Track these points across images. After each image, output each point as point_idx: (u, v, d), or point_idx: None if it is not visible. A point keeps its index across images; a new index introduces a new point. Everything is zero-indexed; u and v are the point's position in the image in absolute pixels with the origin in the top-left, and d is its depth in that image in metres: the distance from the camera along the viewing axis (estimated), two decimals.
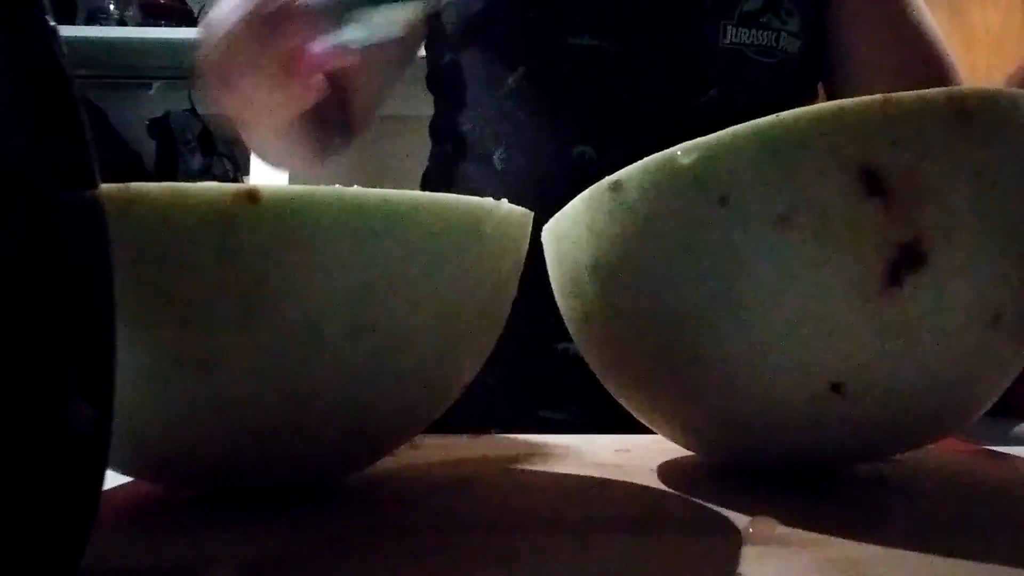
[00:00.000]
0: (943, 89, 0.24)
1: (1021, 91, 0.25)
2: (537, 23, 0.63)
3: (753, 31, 0.62)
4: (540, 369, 0.63)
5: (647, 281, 0.28)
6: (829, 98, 0.67)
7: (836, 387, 0.26)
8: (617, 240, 0.28)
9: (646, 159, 0.27)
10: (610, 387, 0.34)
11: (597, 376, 0.35)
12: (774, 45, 0.63)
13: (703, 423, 0.30)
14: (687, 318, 0.27)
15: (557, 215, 0.32)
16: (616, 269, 0.29)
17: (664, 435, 0.34)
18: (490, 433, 0.64)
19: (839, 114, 0.24)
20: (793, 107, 0.26)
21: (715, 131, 0.27)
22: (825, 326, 0.26)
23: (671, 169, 0.27)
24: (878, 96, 0.24)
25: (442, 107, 0.72)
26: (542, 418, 0.63)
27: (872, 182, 0.24)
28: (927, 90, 0.24)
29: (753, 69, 0.62)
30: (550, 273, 0.35)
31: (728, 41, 0.62)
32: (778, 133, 0.25)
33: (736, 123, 0.26)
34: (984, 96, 0.25)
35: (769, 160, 0.25)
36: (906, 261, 0.25)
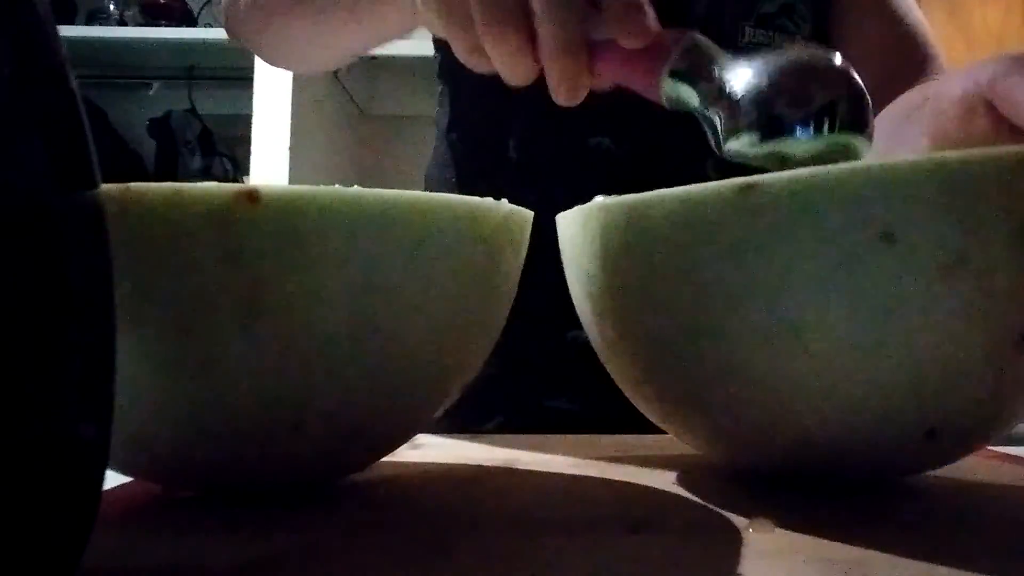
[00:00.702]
0: None
1: None
2: None
3: (770, 32, 0.63)
4: (546, 359, 0.63)
5: (761, 292, 0.26)
6: None
7: (931, 433, 0.26)
8: (734, 246, 0.26)
9: (798, 170, 0.25)
10: (625, 379, 0.32)
11: (609, 370, 0.33)
12: None
13: (751, 436, 0.29)
14: (792, 338, 0.26)
15: (624, 198, 0.29)
16: (725, 274, 0.26)
17: (680, 437, 0.33)
18: (493, 422, 0.64)
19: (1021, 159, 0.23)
20: None
21: None
22: (953, 377, 0.25)
23: (829, 189, 0.24)
24: None
25: (455, 96, 0.71)
26: (547, 408, 0.63)
27: None
28: None
29: None
30: (573, 257, 0.33)
31: (746, 40, 0.62)
32: (963, 172, 0.23)
33: None
34: None
35: (949, 200, 0.23)
36: None
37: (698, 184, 0.27)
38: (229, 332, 0.24)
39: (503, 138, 0.65)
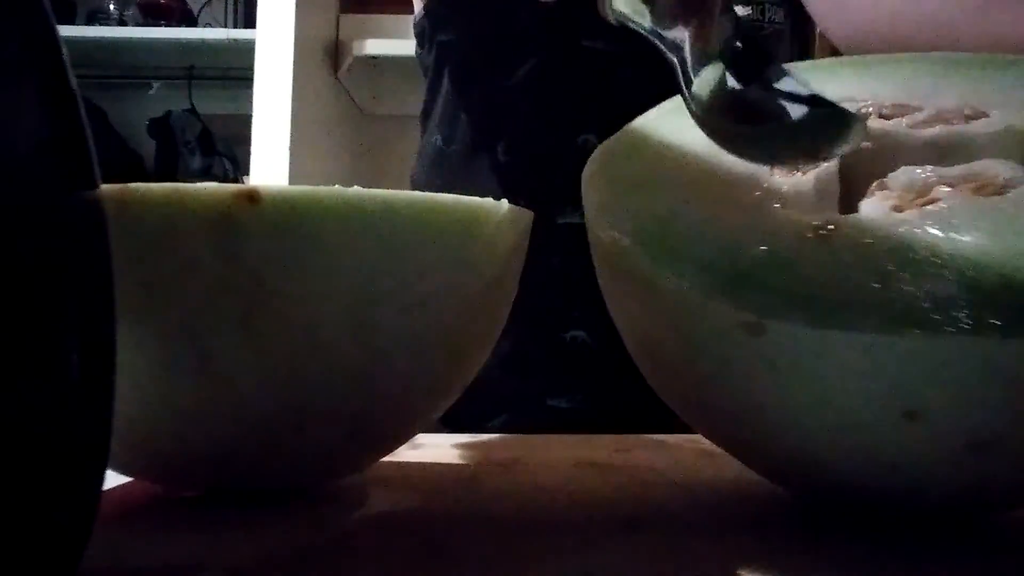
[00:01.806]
0: None
1: None
2: (554, 22, 0.64)
3: (738, 5, 0.63)
4: (547, 358, 0.63)
5: (768, 422, 0.24)
6: (831, 52, 0.67)
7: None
8: (742, 381, 0.24)
9: (811, 328, 0.22)
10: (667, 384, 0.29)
11: (645, 372, 0.30)
12: (760, 18, 0.64)
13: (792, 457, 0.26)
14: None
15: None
16: (723, 397, 0.25)
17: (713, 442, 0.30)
18: (497, 420, 0.64)
19: None
20: None
21: None
22: None
23: (846, 358, 0.21)
24: None
25: (443, 98, 0.70)
26: (550, 407, 0.63)
27: None
28: None
29: None
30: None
31: None
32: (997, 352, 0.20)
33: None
34: None
35: (979, 380, 0.21)
36: None
37: (711, 315, 0.23)
38: (229, 332, 0.24)
39: (492, 142, 0.65)
